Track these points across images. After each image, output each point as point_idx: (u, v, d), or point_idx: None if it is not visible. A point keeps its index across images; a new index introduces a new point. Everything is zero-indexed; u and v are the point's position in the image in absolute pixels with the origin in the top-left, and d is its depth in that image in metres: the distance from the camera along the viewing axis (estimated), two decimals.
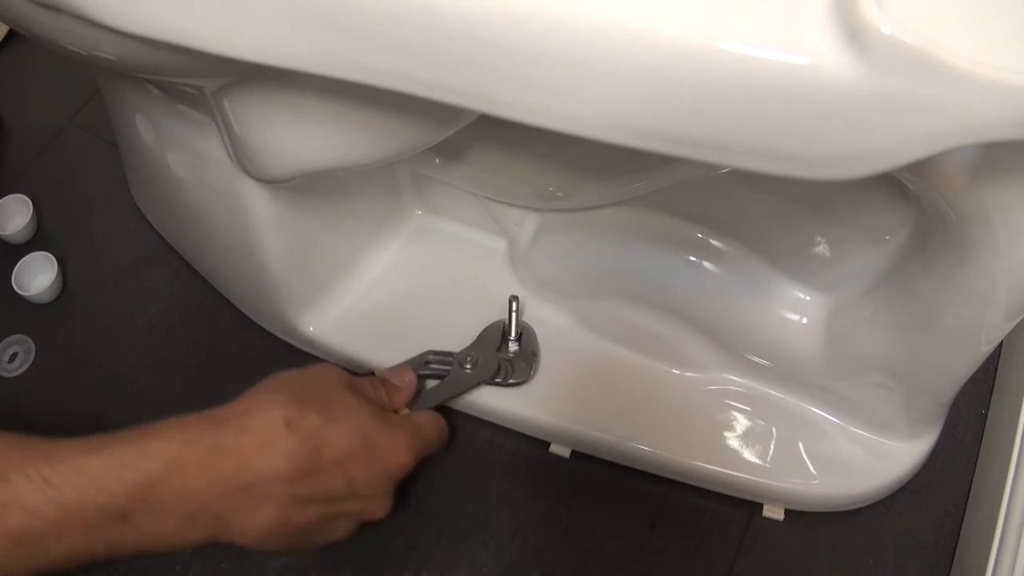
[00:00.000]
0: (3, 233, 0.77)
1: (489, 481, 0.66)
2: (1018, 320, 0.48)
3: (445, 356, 0.64)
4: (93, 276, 0.76)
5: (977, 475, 0.65)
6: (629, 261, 0.67)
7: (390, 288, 0.69)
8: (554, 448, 0.66)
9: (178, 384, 0.71)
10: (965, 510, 0.64)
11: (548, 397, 0.64)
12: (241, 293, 0.72)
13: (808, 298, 0.64)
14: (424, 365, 0.63)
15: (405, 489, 0.65)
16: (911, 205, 0.53)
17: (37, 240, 0.78)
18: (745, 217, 0.63)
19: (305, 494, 0.48)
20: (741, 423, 0.63)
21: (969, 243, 0.44)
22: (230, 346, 0.72)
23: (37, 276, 0.75)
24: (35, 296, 0.74)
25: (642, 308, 0.66)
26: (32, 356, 0.73)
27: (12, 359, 0.73)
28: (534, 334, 0.66)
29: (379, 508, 0.53)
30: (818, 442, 0.62)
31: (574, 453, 0.66)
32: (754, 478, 0.61)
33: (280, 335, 0.71)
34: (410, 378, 0.61)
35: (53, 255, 0.75)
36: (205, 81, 0.48)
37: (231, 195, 0.59)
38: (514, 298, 0.64)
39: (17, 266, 0.74)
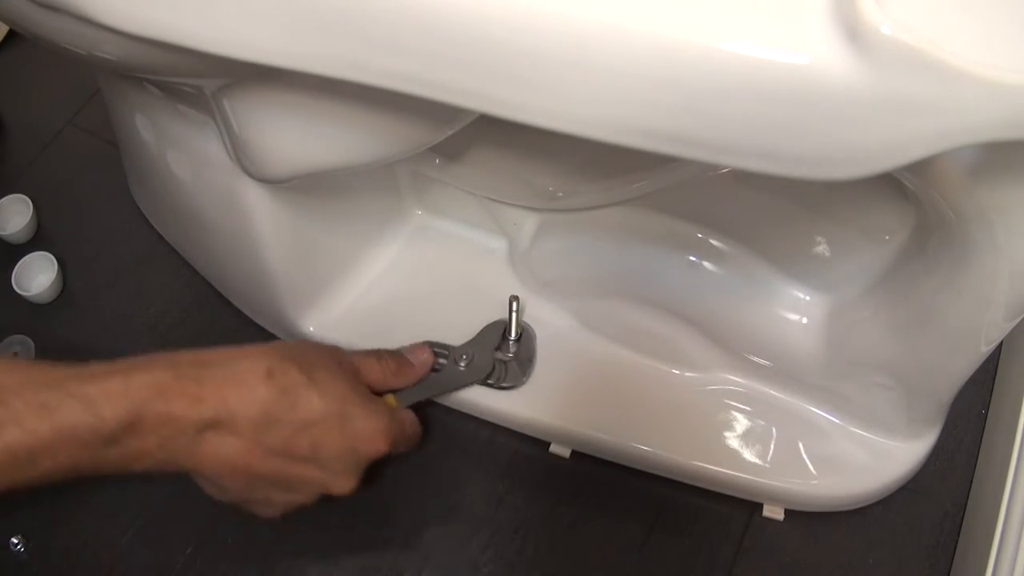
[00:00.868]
0: (3, 233, 0.77)
1: (489, 481, 0.66)
2: (1018, 320, 0.48)
3: (442, 349, 0.64)
4: (93, 276, 0.76)
5: (977, 475, 0.65)
6: (629, 261, 0.67)
7: (390, 288, 0.69)
8: (554, 448, 0.66)
9: None
10: (965, 510, 0.64)
11: (548, 397, 0.64)
12: (241, 293, 0.72)
13: (808, 298, 0.64)
14: None
15: (404, 487, 0.65)
16: (911, 205, 0.53)
17: (37, 240, 0.78)
18: (745, 217, 0.63)
19: (268, 443, 0.49)
20: (741, 423, 0.63)
21: (969, 243, 0.44)
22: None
23: (37, 276, 0.75)
24: (35, 296, 0.74)
25: (642, 308, 0.66)
26: (32, 356, 0.73)
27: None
28: (533, 337, 0.66)
29: (342, 484, 0.53)
30: (818, 442, 0.62)
31: (574, 453, 0.66)
32: (754, 478, 0.61)
33: (280, 335, 0.71)
34: (426, 358, 0.62)
35: (53, 255, 0.75)
36: (205, 81, 0.48)
37: (231, 195, 0.59)
38: (514, 298, 0.64)
39: (17, 266, 0.74)
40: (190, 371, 0.48)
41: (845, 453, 0.61)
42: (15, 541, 0.63)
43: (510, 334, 0.64)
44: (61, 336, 0.73)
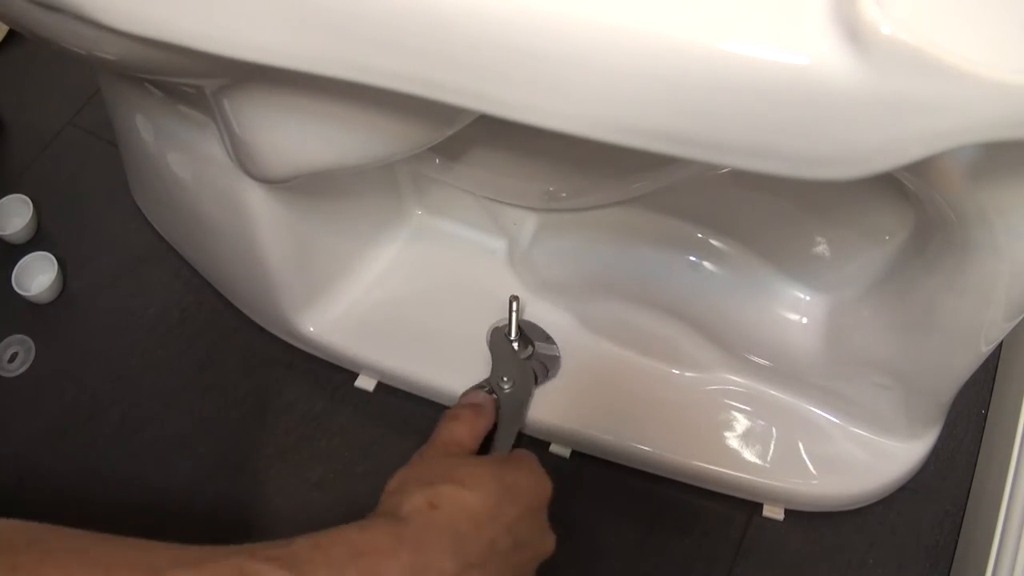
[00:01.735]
0: (3, 233, 0.77)
1: None
2: (1018, 320, 0.48)
3: (481, 385, 0.61)
4: (93, 276, 0.76)
5: (977, 475, 0.65)
6: (629, 261, 0.67)
7: (390, 288, 0.69)
8: (554, 448, 0.66)
9: (178, 384, 0.71)
10: (965, 510, 0.64)
11: (548, 397, 0.64)
12: (241, 293, 0.72)
13: (808, 298, 0.64)
14: None
15: None
16: (911, 205, 0.53)
17: (37, 240, 0.78)
18: (745, 217, 0.63)
19: (473, 562, 0.44)
20: (741, 423, 0.63)
21: (969, 244, 0.44)
22: (230, 346, 0.72)
23: (37, 276, 0.75)
24: (35, 296, 0.74)
25: (642, 308, 0.66)
26: (32, 356, 0.73)
27: (12, 359, 0.73)
28: (532, 325, 0.65)
29: (546, 544, 0.50)
30: (818, 442, 0.62)
31: (574, 453, 0.66)
32: (754, 478, 0.61)
33: (280, 335, 0.71)
34: (482, 397, 0.59)
35: (53, 255, 0.75)
36: (205, 81, 0.48)
37: (231, 195, 0.59)
38: (514, 298, 0.64)
39: (17, 266, 0.74)
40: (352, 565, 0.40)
41: (845, 453, 0.61)
42: None
43: (510, 334, 0.64)
44: (61, 336, 0.73)
